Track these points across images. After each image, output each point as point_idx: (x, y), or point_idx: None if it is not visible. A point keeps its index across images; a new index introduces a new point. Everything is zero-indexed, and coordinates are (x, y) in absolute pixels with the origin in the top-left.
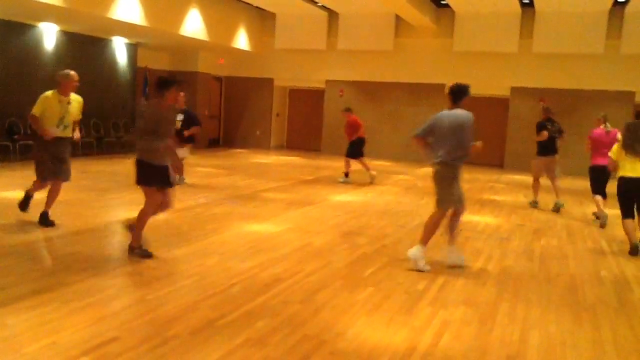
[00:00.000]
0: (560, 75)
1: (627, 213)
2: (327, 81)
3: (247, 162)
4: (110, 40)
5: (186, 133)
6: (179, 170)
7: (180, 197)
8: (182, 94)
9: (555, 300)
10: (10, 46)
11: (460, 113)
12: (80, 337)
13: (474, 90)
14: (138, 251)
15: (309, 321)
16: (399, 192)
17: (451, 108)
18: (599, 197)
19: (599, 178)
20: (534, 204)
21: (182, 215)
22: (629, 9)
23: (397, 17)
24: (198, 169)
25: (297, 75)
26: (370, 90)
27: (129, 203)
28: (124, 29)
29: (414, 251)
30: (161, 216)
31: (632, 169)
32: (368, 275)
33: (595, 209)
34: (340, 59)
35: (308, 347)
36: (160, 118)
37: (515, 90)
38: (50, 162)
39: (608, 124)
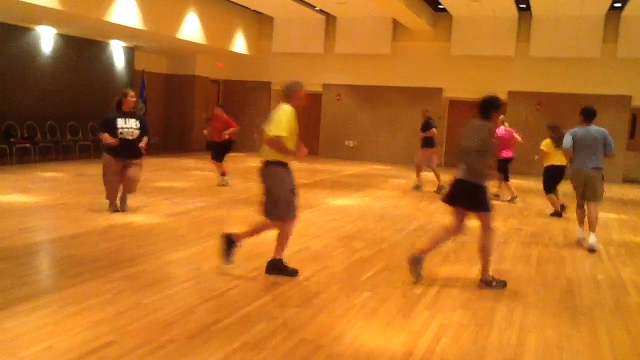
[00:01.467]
0: (557, 79)
1: (550, 189)
2: (325, 85)
3: (244, 166)
4: (108, 44)
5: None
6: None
7: (177, 201)
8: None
9: (552, 304)
10: (7, 49)
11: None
12: (76, 341)
13: (470, 94)
14: (495, 283)
15: (306, 325)
16: (396, 196)
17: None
18: (507, 183)
19: (505, 167)
20: (418, 188)
21: (179, 219)
22: (625, 13)
23: (395, 21)
24: (195, 172)
25: (294, 78)
26: (368, 94)
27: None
28: (122, 32)
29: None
30: (162, 220)
31: (559, 159)
32: (365, 279)
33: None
34: (337, 63)
35: (305, 351)
36: (493, 138)
37: (512, 94)
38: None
39: (506, 124)
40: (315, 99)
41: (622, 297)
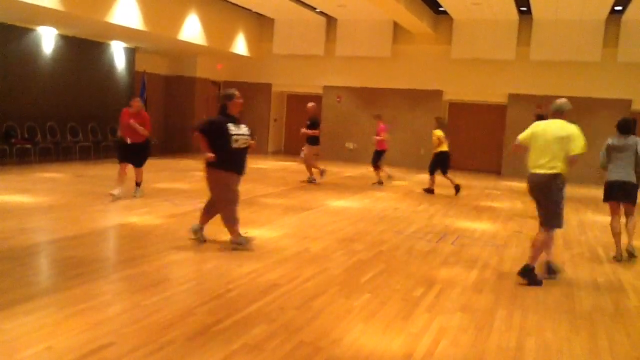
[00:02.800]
0: (557, 83)
1: (434, 171)
2: (325, 87)
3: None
4: (109, 45)
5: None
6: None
7: (177, 202)
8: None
9: (552, 307)
10: (8, 50)
11: None
12: (75, 342)
13: (470, 97)
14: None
15: (306, 327)
16: (396, 198)
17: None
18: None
19: (379, 157)
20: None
21: (179, 220)
22: (625, 17)
23: (395, 24)
24: (195, 173)
25: (295, 80)
26: (368, 97)
27: (126, 207)
28: (123, 33)
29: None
30: (162, 221)
31: (446, 146)
32: (365, 281)
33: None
34: (338, 65)
35: (304, 353)
36: None
37: (512, 97)
38: None
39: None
40: (315, 101)
41: (622, 301)
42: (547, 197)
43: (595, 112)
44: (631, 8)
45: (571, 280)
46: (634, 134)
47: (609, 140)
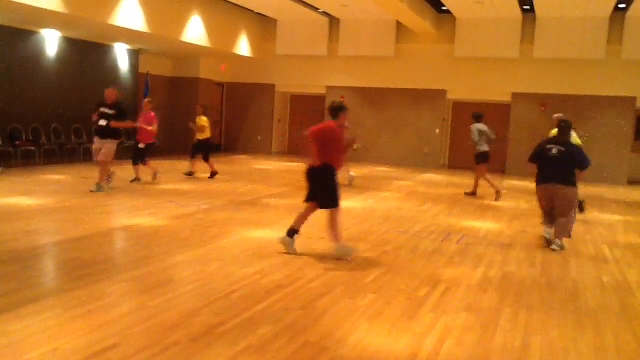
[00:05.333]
0: (561, 81)
1: (195, 155)
2: (328, 87)
3: (248, 168)
4: (112, 47)
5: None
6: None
7: (182, 203)
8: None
9: (557, 307)
10: (12, 52)
11: None
12: (81, 343)
13: (474, 96)
14: None
15: (311, 328)
16: (400, 198)
17: None
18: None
19: (145, 152)
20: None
21: (183, 222)
22: (630, 14)
23: (398, 23)
24: (200, 174)
25: (298, 81)
26: (371, 96)
27: (130, 209)
28: (126, 35)
29: None
30: (166, 222)
31: (209, 133)
32: (369, 281)
33: None
34: (341, 65)
35: (309, 354)
36: None
37: (516, 95)
38: None
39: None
40: (318, 101)
41: (628, 300)
42: None
43: (600, 110)
44: (635, 5)
45: (577, 279)
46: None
47: None
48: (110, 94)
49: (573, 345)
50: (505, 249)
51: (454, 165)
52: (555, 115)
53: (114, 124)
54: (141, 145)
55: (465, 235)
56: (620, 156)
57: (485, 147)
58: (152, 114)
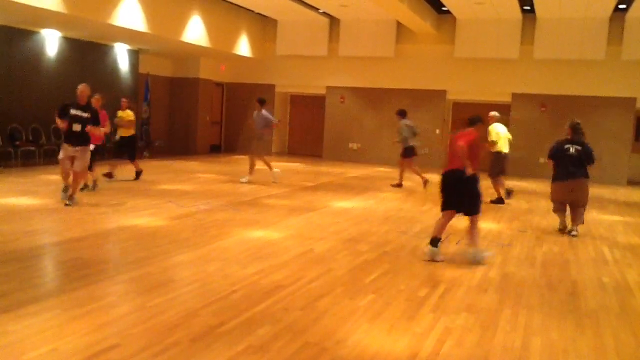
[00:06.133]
0: (561, 82)
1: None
2: (328, 87)
3: (248, 168)
4: (112, 47)
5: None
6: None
7: (182, 204)
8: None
9: (557, 307)
10: (12, 52)
11: None
12: (81, 344)
13: (474, 96)
14: None
15: (310, 328)
16: (400, 198)
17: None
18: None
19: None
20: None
21: (183, 222)
22: (629, 15)
23: (398, 24)
24: (199, 175)
25: (298, 81)
26: (371, 97)
27: (130, 209)
28: (126, 35)
29: None
30: (166, 223)
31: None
32: (369, 282)
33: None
34: (341, 66)
35: (309, 354)
36: None
37: (516, 96)
38: None
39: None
40: (318, 101)
41: (628, 300)
42: None
43: (600, 110)
44: (635, 6)
45: (576, 280)
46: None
47: None
48: (84, 91)
49: (573, 346)
50: (505, 249)
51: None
52: (492, 113)
53: (89, 128)
54: (91, 147)
55: (465, 235)
56: (620, 157)
57: (412, 142)
58: (104, 112)
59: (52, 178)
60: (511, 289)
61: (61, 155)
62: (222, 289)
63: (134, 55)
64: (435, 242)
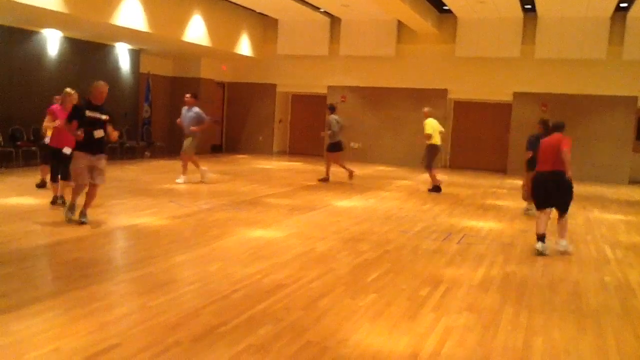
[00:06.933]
0: (562, 81)
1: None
2: (330, 87)
3: (249, 168)
4: (114, 47)
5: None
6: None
7: (183, 203)
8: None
9: (559, 307)
10: (13, 52)
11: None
12: (82, 343)
13: (475, 96)
14: None
15: (312, 327)
16: (401, 197)
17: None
18: None
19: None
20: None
21: (184, 222)
22: (631, 14)
23: (400, 23)
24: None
25: (299, 81)
26: (373, 96)
27: (132, 209)
28: (127, 35)
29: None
30: (167, 222)
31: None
32: (370, 281)
33: None
34: (342, 65)
35: (311, 353)
36: None
37: (517, 95)
38: None
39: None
40: (320, 101)
41: (629, 300)
42: None
43: (601, 110)
44: (637, 5)
45: (578, 280)
46: None
47: None
48: (103, 90)
49: (574, 346)
50: (506, 249)
51: (455, 164)
52: (425, 109)
53: (111, 131)
54: (67, 151)
55: (466, 234)
56: (622, 156)
57: (340, 137)
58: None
59: None
60: (512, 289)
61: (79, 165)
62: (223, 289)
63: (135, 55)
64: (542, 238)
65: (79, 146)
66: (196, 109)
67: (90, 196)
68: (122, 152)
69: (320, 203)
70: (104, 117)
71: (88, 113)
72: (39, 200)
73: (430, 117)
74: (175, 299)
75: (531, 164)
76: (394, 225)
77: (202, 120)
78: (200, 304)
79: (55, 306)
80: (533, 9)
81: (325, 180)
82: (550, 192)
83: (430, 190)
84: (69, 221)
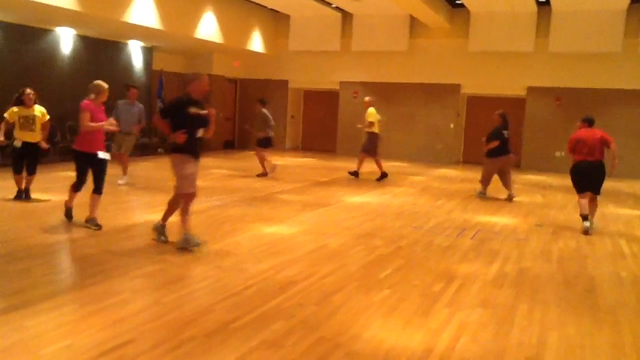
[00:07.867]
0: (577, 75)
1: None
2: (342, 82)
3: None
4: (126, 44)
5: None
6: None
7: (195, 200)
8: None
9: (574, 302)
10: (27, 51)
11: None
12: (96, 339)
13: (489, 90)
14: None
15: (325, 323)
16: (414, 193)
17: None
18: None
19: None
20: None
21: (197, 218)
22: None
23: (412, 18)
24: (213, 171)
25: (311, 77)
26: (385, 91)
27: (146, 205)
28: (140, 32)
29: None
30: (179, 218)
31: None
32: (384, 277)
33: None
34: (354, 60)
35: (324, 349)
36: None
37: (531, 90)
38: None
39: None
40: (332, 96)
41: None
42: None
43: (617, 103)
44: None
45: (594, 275)
46: None
47: None
48: (206, 83)
49: (590, 342)
50: (520, 244)
51: (468, 160)
52: (366, 98)
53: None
54: (106, 156)
55: (480, 230)
56: (638, 150)
57: (271, 133)
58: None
59: (68, 175)
60: (527, 284)
61: (188, 170)
62: (236, 285)
63: (148, 52)
64: (587, 217)
65: (181, 149)
66: (138, 105)
67: (187, 205)
68: (135, 149)
69: (333, 199)
70: (204, 112)
71: (192, 110)
72: (53, 197)
73: (371, 106)
74: (188, 295)
75: (493, 152)
76: (407, 221)
77: (142, 117)
78: (213, 299)
79: (69, 302)
80: (547, 2)
81: (263, 175)
82: (594, 178)
83: (378, 180)
84: (160, 242)
